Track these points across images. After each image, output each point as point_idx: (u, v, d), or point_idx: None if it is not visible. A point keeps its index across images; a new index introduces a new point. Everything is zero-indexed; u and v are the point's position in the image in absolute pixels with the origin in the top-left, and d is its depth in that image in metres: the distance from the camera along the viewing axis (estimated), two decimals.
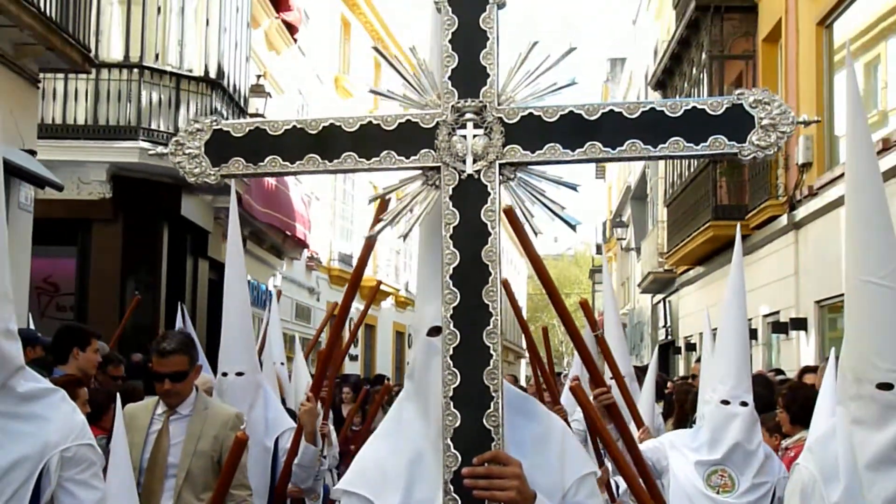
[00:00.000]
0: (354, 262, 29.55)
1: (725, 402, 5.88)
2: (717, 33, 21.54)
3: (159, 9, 18.61)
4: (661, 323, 34.41)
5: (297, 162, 3.30)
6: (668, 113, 3.26)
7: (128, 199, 18.18)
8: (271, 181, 22.85)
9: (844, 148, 16.70)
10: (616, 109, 3.28)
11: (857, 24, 16.63)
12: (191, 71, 18.92)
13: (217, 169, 3.33)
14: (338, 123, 3.31)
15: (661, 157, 3.38)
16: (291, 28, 26.23)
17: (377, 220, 5.08)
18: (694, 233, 22.79)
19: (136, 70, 18.21)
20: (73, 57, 14.50)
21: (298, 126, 3.33)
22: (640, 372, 9.95)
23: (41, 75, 15.12)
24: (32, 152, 14.20)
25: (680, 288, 29.58)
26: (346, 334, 14.43)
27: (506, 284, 9.14)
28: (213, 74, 19.20)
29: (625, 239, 43.22)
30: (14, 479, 3.78)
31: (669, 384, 13.31)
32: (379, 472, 3.26)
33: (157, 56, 18.54)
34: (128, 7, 18.54)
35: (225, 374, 6.79)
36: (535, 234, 3.32)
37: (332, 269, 32.20)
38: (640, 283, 35.73)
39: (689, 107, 3.27)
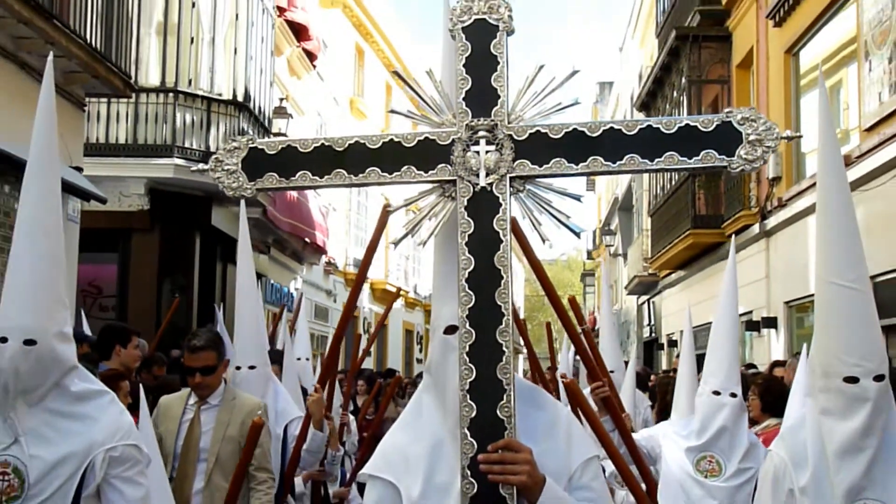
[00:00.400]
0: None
1: (716, 393, 5.88)
2: (696, 60, 21.54)
3: (192, 39, 18.64)
4: (646, 322, 34.37)
5: (326, 176, 3.29)
6: (663, 130, 3.24)
7: (164, 211, 18.23)
8: (293, 194, 22.85)
9: (811, 163, 16.76)
10: (616, 127, 3.27)
11: (821, 51, 16.68)
12: (220, 95, 18.94)
13: (253, 183, 3.32)
14: (362, 141, 3.30)
15: (657, 170, 3.35)
16: (311, 56, 26.25)
17: (380, 228, 5.09)
18: (675, 240, 22.79)
19: (171, 94, 18.28)
20: (115, 83, 14.58)
21: (326, 144, 3.31)
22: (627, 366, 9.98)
23: (87, 100, 15.16)
24: (79, 169, 14.25)
25: (662, 290, 29.53)
26: (363, 335, 14.38)
27: None
28: (240, 98, 19.23)
29: (613, 245, 43.11)
30: (61, 473, 3.77)
31: (653, 377, 13.30)
32: (401, 458, 3.24)
33: (190, 81, 18.56)
34: (164, 38, 18.58)
35: (238, 368, 6.76)
36: (544, 241, 3.31)
37: (348, 273, 32.16)
38: (627, 286, 35.71)
39: (682, 124, 3.25)
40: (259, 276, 22.27)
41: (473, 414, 3.08)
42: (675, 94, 22.74)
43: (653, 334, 32.50)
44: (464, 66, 3.27)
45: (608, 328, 9.37)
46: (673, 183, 23.65)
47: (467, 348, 3.11)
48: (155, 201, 18.13)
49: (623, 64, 42.94)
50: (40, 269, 3.76)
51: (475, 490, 3.05)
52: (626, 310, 41.76)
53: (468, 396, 3.09)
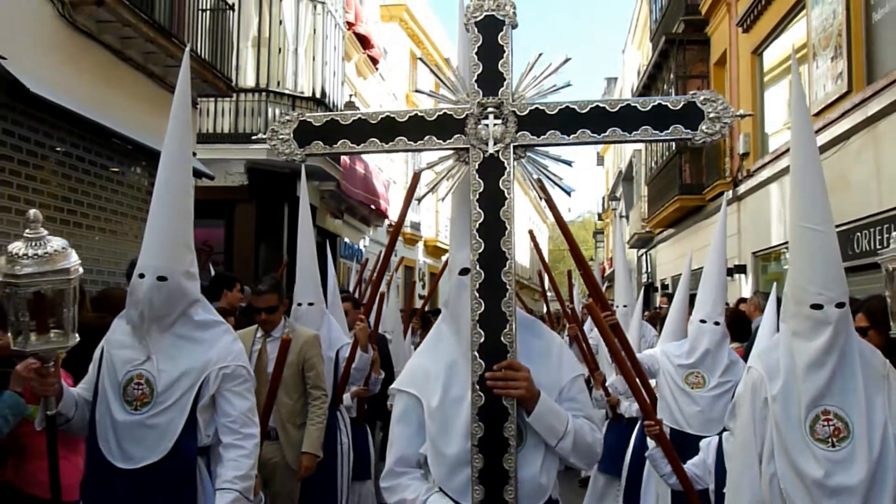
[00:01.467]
0: (421, 227, 29.42)
1: (703, 321, 5.91)
2: (681, 60, 21.42)
3: (280, 49, 18.62)
4: (644, 270, 34.31)
5: (362, 144, 3.23)
6: (640, 108, 3.17)
7: (259, 186, 18.21)
8: (361, 171, 22.88)
9: (773, 142, 16.69)
10: (601, 105, 3.19)
11: (780, 52, 16.68)
12: (302, 93, 18.87)
13: (302, 150, 3.27)
14: (392, 115, 3.24)
15: (634, 141, 3.27)
16: (374, 60, 26.18)
17: (412, 189, 5.03)
18: (666, 204, 22.68)
19: (263, 93, 18.25)
20: (219, 86, 14.58)
21: (363, 117, 3.25)
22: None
23: (198, 99, 15.15)
24: (193, 153, 14.24)
25: (657, 244, 29.47)
26: (416, 282, 14.30)
27: (532, 235, 9.01)
28: (318, 95, 19.14)
29: (617, 209, 42.89)
30: (182, 385, 3.76)
31: (646, 313, 13.24)
32: (423, 375, 3.20)
33: (278, 83, 18.54)
34: (258, 49, 18.58)
35: (300, 305, 6.70)
36: (541, 198, 3.23)
37: (405, 233, 32.02)
38: (629, 241, 35.46)
39: (655, 103, 3.18)
40: (334, 236, 22.33)
41: (482, 340, 3.05)
42: (665, 87, 22.57)
43: (649, 280, 32.40)
44: (476, 53, 3.21)
45: (622, 272, 9.21)
46: (664, 158, 23.51)
47: (477, 286, 3.08)
48: (252, 178, 18.13)
49: (625, 63, 42.66)
50: (172, 220, 3.78)
51: (483, 401, 3.03)
52: (628, 260, 41.52)
53: (478, 326, 3.06)
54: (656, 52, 22.81)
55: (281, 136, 3.28)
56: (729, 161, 19.04)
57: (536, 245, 8.36)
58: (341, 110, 20.18)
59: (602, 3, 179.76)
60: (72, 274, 3.44)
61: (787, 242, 14.94)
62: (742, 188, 17.91)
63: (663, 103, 3.16)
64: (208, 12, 14.72)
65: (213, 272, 11.57)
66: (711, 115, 3.12)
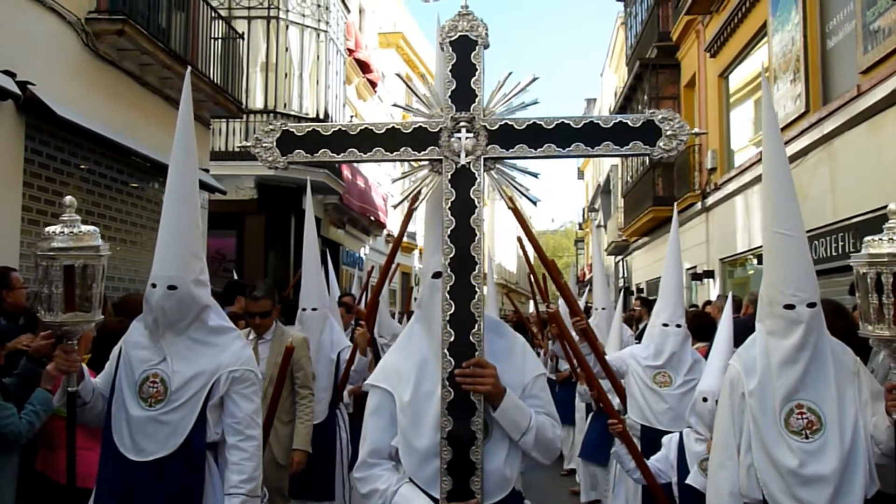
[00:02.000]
0: (417, 237, 29.30)
1: (665, 325, 5.87)
2: (654, 82, 21.43)
3: (286, 74, 18.59)
4: (621, 275, 34.28)
5: (342, 154, 3.15)
6: (602, 125, 3.11)
7: (268, 199, 18.17)
8: (362, 185, 22.80)
9: (738, 157, 16.69)
10: (566, 121, 3.13)
11: (744, 76, 16.73)
12: (307, 114, 18.86)
13: (285, 157, 3.21)
14: (370, 127, 3.17)
15: (596, 156, 3.23)
16: (373, 84, 26.20)
17: (409, 212, 4.97)
18: (640, 214, 22.65)
19: (271, 114, 18.19)
20: (230, 108, 14.61)
21: (343, 128, 3.18)
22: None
23: (211, 120, 15.13)
24: (206, 170, 14.25)
25: (632, 252, 29.45)
26: (414, 287, 14.22)
27: (520, 241, 8.92)
28: (321, 116, 19.14)
29: (596, 219, 42.85)
30: (194, 385, 3.68)
31: (622, 314, 13.16)
32: (396, 372, 3.12)
33: (285, 105, 18.50)
34: (266, 74, 18.54)
35: (304, 309, 6.60)
36: (508, 207, 3.16)
37: (403, 242, 32.01)
38: (606, 249, 35.43)
39: (617, 121, 3.13)
40: (337, 245, 22.25)
41: (452, 339, 2.99)
42: (639, 107, 22.57)
43: (626, 284, 32.39)
44: (450, 71, 3.14)
45: (600, 278, 9.12)
46: (639, 172, 23.53)
47: (448, 289, 3.01)
48: (262, 192, 18.08)
49: (603, 85, 42.73)
50: (180, 231, 3.70)
51: (452, 396, 2.96)
52: (606, 266, 41.42)
53: (448, 325, 2.99)
54: (631, 75, 22.84)
55: (264, 144, 3.22)
56: (698, 175, 19.03)
57: (524, 251, 8.31)
58: None
59: (584, 29, 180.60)
60: (101, 251, 3.55)
61: (751, 249, 14.95)
62: (710, 200, 17.90)
63: (624, 121, 3.10)
64: (220, 40, 14.74)
65: (235, 276, 11.97)
66: (668, 132, 3.07)
